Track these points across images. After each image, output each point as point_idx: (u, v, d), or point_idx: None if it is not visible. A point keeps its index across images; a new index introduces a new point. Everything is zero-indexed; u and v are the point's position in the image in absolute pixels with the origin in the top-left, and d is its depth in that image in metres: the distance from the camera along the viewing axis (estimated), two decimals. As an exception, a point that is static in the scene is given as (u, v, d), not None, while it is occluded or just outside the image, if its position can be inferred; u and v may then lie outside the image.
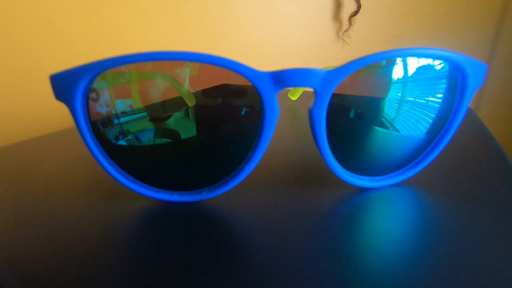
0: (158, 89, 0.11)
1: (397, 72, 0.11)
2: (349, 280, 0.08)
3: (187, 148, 0.11)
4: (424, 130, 0.12)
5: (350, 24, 0.58)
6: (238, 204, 0.12)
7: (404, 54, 0.11)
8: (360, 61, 0.10)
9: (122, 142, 0.11)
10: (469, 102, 0.12)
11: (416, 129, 0.12)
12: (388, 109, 0.12)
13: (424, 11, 0.65)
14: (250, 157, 0.11)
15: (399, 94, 0.12)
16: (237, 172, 0.11)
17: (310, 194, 0.12)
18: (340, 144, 0.12)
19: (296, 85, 0.10)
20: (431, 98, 0.12)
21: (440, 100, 0.12)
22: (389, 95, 0.12)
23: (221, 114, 0.11)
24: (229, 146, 0.11)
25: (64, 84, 0.10)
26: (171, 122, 0.11)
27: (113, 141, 0.11)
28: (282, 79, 0.10)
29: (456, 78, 0.12)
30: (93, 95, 0.10)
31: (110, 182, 0.13)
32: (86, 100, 0.10)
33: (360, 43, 0.62)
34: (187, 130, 0.11)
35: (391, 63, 0.11)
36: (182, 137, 0.11)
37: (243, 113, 0.11)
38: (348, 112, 0.11)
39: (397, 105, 0.12)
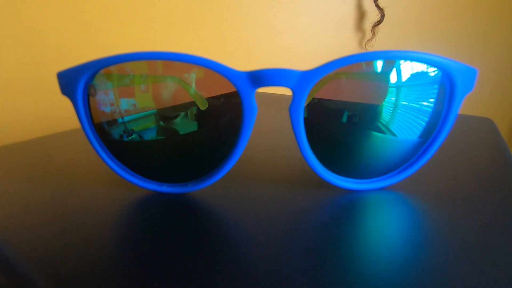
0: (160, 89, 0.12)
1: (383, 75, 0.11)
2: (327, 281, 0.08)
3: (175, 144, 0.12)
4: (412, 135, 0.12)
5: (373, 33, 0.57)
6: (221, 197, 0.12)
7: (386, 56, 0.11)
8: (336, 63, 0.10)
9: (117, 136, 0.12)
10: (458, 106, 0.12)
11: (404, 134, 0.12)
12: (374, 112, 0.12)
13: (451, 21, 0.63)
14: (232, 153, 0.12)
15: (386, 98, 0.12)
16: (220, 167, 0.12)
17: (292, 192, 0.12)
18: (322, 144, 0.12)
19: (273, 84, 0.10)
20: (419, 102, 0.12)
21: (428, 104, 0.12)
22: (374, 97, 0.12)
23: (206, 113, 0.12)
24: (213, 142, 0.12)
25: (68, 80, 0.11)
26: (164, 120, 0.12)
27: (110, 134, 0.12)
28: (259, 78, 0.10)
29: (443, 82, 0.12)
30: (92, 90, 0.11)
31: (111, 173, 0.15)
32: (87, 95, 0.12)
33: (383, 53, 0.61)
34: (179, 128, 0.12)
35: (377, 66, 0.11)
36: (171, 134, 0.12)
37: (225, 111, 0.11)
38: (330, 113, 0.12)
39: (383, 108, 0.12)
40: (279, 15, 0.53)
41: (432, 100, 0.12)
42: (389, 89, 0.12)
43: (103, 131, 0.12)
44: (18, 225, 0.10)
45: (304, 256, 0.09)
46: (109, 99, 0.11)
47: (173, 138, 0.12)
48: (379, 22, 0.56)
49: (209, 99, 0.11)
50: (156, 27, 0.47)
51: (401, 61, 0.11)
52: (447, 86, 0.12)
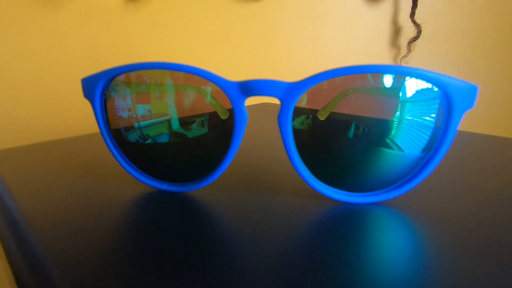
0: (161, 96, 0.13)
1: (376, 89, 0.12)
2: None
3: (176, 147, 0.13)
4: (409, 151, 0.12)
5: (408, 50, 0.56)
6: (214, 198, 0.13)
7: (378, 70, 0.11)
8: (322, 75, 0.11)
9: (127, 137, 0.13)
10: (457, 123, 0.12)
11: (399, 149, 0.12)
12: (367, 126, 0.12)
13: (494, 38, 0.59)
14: (224, 158, 0.12)
15: (380, 112, 0.12)
16: (214, 170, 0.13)
17: (281, 197, 0.13)
18: (311, 154, 0.12)
19: (262, 94, 0.11)
20: (416, 118, 0.12)
21: (425, 120, 0.12)
22: (367, 111, 0.12)
23: (203, 121, 0.12)
24: (208, 147, 0.13)
25: (89, 86, 0.13)
26: (170, 127, 0.13)
27: (122, 135, 0.13)
28: (249, 88, 0.11)
29: (440, 99, 0.11)
30: (108, 95, 0.13)
31: (123, 170, 0.16)
32: (104, 99, 0.13)
33: (419, 70, 0.58)
34: (185, 133, 0.13)
35: (372, 79, 0.11)
36: (173, 139, 0.13)
37: (220, 119, 0.12)
38: (321, 124, 0.12)
39: (377, 122, 0.12)
40: (311, 31, 0.54)
41: (429, 116, 0.12)
42: (382, 103, 0.12)
43: (116, 132, 0.13)
44: (42, 211, 0.12)
45: (288, 264, 0.09)
46: (121, 104, 0.13)
47: (174, 142, 0.13)
48: (415, 38, 0.54)
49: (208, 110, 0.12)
50: (193, 42, 0.50)
51: (396, 76, 0.11)
52: (444, 103, 0.11)
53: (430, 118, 0.12)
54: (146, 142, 0.13)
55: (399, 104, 0.12)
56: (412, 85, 0.11)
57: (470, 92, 0.11)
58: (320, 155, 0.12)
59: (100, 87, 0.13)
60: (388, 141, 0.12)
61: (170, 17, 0.48)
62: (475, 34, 0.59)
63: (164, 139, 0.13)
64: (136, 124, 0.13)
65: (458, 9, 0.58)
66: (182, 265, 0.09)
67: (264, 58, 0.54)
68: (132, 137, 0.13)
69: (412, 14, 0.52)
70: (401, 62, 0.57)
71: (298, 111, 0.11)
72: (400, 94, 0.11)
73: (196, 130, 0.12)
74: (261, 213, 0.12)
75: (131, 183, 0.15)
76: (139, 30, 0.48)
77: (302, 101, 0.11)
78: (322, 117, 0.12)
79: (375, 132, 0.12)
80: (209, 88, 0.12)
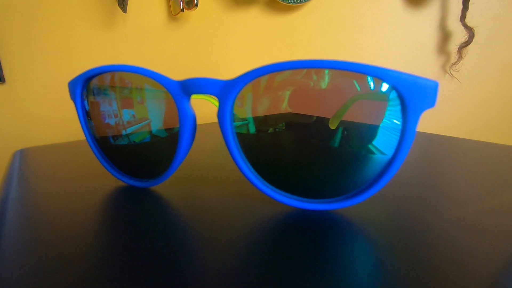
0: (132, 99, 0.14)
1: (320, 85, 0.11)
2: None
3: (133, 147, 0.14)
4: (364, 157, 0.11)
5: (459, 56, 0.50)
6: (172, 195, 0.13)
7: (315, 65, 0.10)
8: (257, 71, 0.10)
9: (100, 134, 0.15)
10: (415, 124, 0.10)
11: (353, 154, 0.11)
12: (310, 125, 0.11)
13: None
14: (176, 157, 0.13)
15: (325, 109, 0.11)
16: (168, 169, 0.13)
17: (231, 198, 0.13)
18: (256, 155, 0.12)
19: (201, 92, 0.11)
20: (370, 119, 0.11)
21: (379, 122, 0.11)
22: (310, 108, 0.11)
23: (159, 122, 0.13)
24: (163, 147, 0.13)
25: (72, 88, 0.15)
26: (127, 126, 0.14)
27: (96, 133, 0.15)
28: (188, 87, 0.11)
29: (393, 97, 0.10)
30: (84, 96, 0.14)
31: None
32: (82, 99, 0.15)
33: (471, 77, 0.52)
34: (138, 134, 0.14)
35: (315, 75, 0.11)
36: (132, 139, 0.14)
37: (172, 120, 0.13)
38: (264, 124, 0.12)
39: (322, 121, 0.11)
40: (347, 40, 0.52)
41: (384, 116, 0.11)
42: (328, 101, 0.11)
43: (93, 130, 0.15)
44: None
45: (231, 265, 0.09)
46: (95, 104, 0.14)
47: (133, 142, 0.14)
48: (466, 43, 0.48)
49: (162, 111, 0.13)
50: (226, 54, 0.52)
51: (340, 72, 0.10)
52: (400, 102, 0.10)
53: (385, 118, 0.11)
54: (111, 140, 0.14)
55: (349, 103, 0.11)
56: (363, 82, 0.10)
57: (428, 90, 0.10)
58: (266, 156, 0.12)
59: (79, 89, 0.14)
60: (338, 144, 0.11)
61: (207, 32, 0.52)
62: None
63: (125, 139, 0.14)
64: (105, 124, 0.14)
65: (524, 8, 0.51)
66: (128, 257, 0.09)
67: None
68: (103, 135, 0.14)
69: (463, 17, 0.47)
70: (451, 69, 0.52)
71: (239, 110, 0.11)
72: (347, 91, 0.11)
73: (153, 130, 0.13)
74: (211, 213, 0.12)
75: (108, 180, 0.16)
76: (180, 44, 0.52)
77: (244, 99, 0.11)
78: (266, 116, 0.12)
79: (322, 133, 0.11)
80: (160, 88, 0.12)
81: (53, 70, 0.51)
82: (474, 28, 0.48)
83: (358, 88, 0.10)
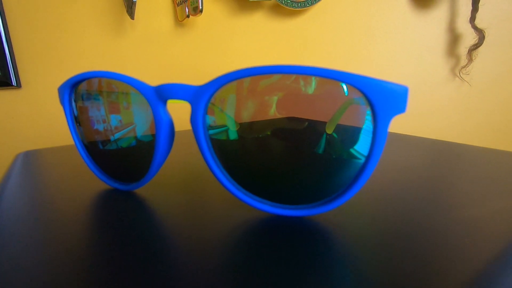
0: (118, 105, 0.14)
1: (289, 89, 0.11)
2: None
3: (114, 152, 0.14)
4: (335, 160, 0.11)
5: (469, 59, 0.49)
6: (154, 198, 0.13)
7: (281, 71, 0.10)
8: (228, 76, 0.10)
9: (85, 138, 0.15)
10: (385, 130, 0.10)
11: (323, 160, 0.11)
12: (281, 129, 0.11)
13: None
14: (153, 162, 0.13)
15: (294, 114, 0.11)
16: (147, 173, 0.13)
17: (207, 202, 0.13)
18: (230, 159, 0.12)
19: (174, 97, 0.11)
20: (340, 125, 0.11)
21: (349, 128, 0.10)
22: (281, 113, 0.11)
23: (139, 127, 0.13)
24: (143, 151, 0.13)
25: (61, 93, 0.15)
26: (111, 132, 0.14)
27: (83, 137, 0.15)
28: (162, 92, 0.11)
29: (363, 102, 0.10)
30: (71, 101, 0.15)
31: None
32: (72, 103, 0.15)
33: (482, 81, 0.50)
34: (120, 139, 0.14)
35: (284, 80, 0.11)
36: (114, 144, 0.14)
37: (150, 125, 0.13)
38: (236, 128, 0.12)
39: (293, 125, 0.11)
40: (353, 44, 0.52)
41: (355, 122, 0.10)
42: (298, 106, 0.11)
43: (80, 134, 0.15)
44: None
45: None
46: (80, 110, 0.15)
47: (117, 145, 0.14)
48: (476, 46, 0.47)
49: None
50: (233, 59, 0.53)
51: (306, 77, 0.10)
52: (369, 107, 0.10)
53: (356, 124, 0.10)
54: (96, 144, 0.14)
55: (323, 108, 0.11)
56: (334, 88, 0.10)
57: (397, 95, 0.10)
58: (239, 161, 0.12)
59: (67, 94, 0.15)
60: (311, 149, 0.11)
61: (212, 38, 0.52)
62: None
63: (107, 143, 0.14)
64: (89, 128, 0.14)
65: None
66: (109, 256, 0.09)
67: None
68: (88, 138, 0.15)
69: (472, 19, 0.46)
70: (461, 73, 0.50)
71: (213, 114, 0.11)
72: (319, 97, 0.10)
73: (133, 135, 0.13)
74: (189, 216, 0.12)
75: (96, 183, 0.16)
76: (186, 49, 0.53)
77: (217, 103, 0.11)
78: (235, 120, 0.12)
79: (295, 138, 0.11)
80: (138, 93, 0.12)
81: (66, 75, 0.52)
82: (485, 30, 0.46)
83: (332, 94, 0.10)
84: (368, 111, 0.10)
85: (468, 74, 0.50)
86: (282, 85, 0.11)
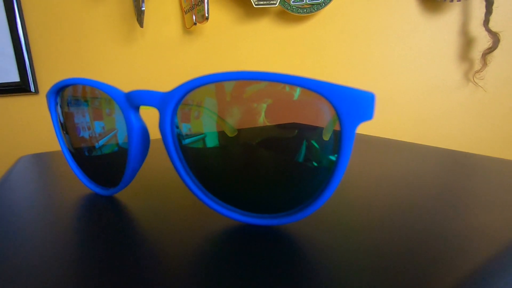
0: (95, 111, 0.15)
1: (254, 97, 0.11)
2: None
3: (98, 157, 0.14)
4: (303, 168, 0.10)
5: (484, 63, 0.47)
6: (130, 203, 0.13)
7: (246, 77, 0.10)
8: (194, 82, 0.10)
9: (68, 142, 0.15)
10: (351, 137, 0.10)
11: (291, 166, 0.11)
12: (251, 136, 0.11)
13: None
14: (127, 167, 0.13)
15: (263, 121, 0.11)
16: (124, 179, 0.13)
17: (178, 210, 0.12)
18: (198, 167, 0.12)
19: (143, 104, 0.11)
20: (310, 131, 0.10)
21: (315, 135, 0.10)
22: (248, 120, 0.11)
23: (118, 132, 0.13)
24: (117, 157, 0.13)
25: (48, 99, 0.16)
26: (89, 136, 0.14)
27: (69, 141, 0.15)
28: (132, 98, 0.11)
29: (327, 109, 0.10)
30: (57, 106, 0.15)
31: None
32: (55, 109, 0.15)
33: (497, 86, 0.48)
34: (102, 144, 0.14)
35: (248, 86, 0.11)
36: (97, 149, 0.14)
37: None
38: (206, 135, 0.11)
39: (262, 132, 0.11)
40: (360, 50, 0.51)
41: (320, 129, 0.10)
42: (264, 112, 0.11)
43: (65, 139, 0.16)
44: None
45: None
46: (64, 116, 0.15)
47: (95, 150, 0.14)
48: (491, 49, 0.45)
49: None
50: (240, 65, 0.53)
51: (276, 84, 0.10)
52: (335, 113, 0.10)
53: (323, 131, 0.10)
54: (77, 149, 0.15)
55: (289, 115, 0.10)
56: (300, 95, 0.10)
57: (363, 101, 0.09)
58: (209, 168, 0.12)
59: (53, 100, 0.15)
60: (279, 157, 0.11)
61: (220, 44, 0.53)
62: None
63: (86, 149, 0.14)
64: (72, 133, 0.15)
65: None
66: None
67: (326, 76, 0.53)
68: (72, 144, 0.15)
69: (486, 22, 0.44)
70: (475, 77, 0.48)
71: (181, 120, 0.11)
72: (281, 103, 0.10)
73: (111, 141, 0.13)
74: (160, 222, 0.12)
75: (80, 187, 0.16)
76: (194, 55, 0.54)
77: (185, 110, 0.11)
78: (207, 127, 0.11)
79: (264, 146, 0.11)
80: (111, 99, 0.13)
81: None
82: (499, 33, 0.44)
83: (298, 101, 0.10)
84: (334, 118, 0.10)
85: (482, 79, 0.48)
86: (249, 92, 0.11)
